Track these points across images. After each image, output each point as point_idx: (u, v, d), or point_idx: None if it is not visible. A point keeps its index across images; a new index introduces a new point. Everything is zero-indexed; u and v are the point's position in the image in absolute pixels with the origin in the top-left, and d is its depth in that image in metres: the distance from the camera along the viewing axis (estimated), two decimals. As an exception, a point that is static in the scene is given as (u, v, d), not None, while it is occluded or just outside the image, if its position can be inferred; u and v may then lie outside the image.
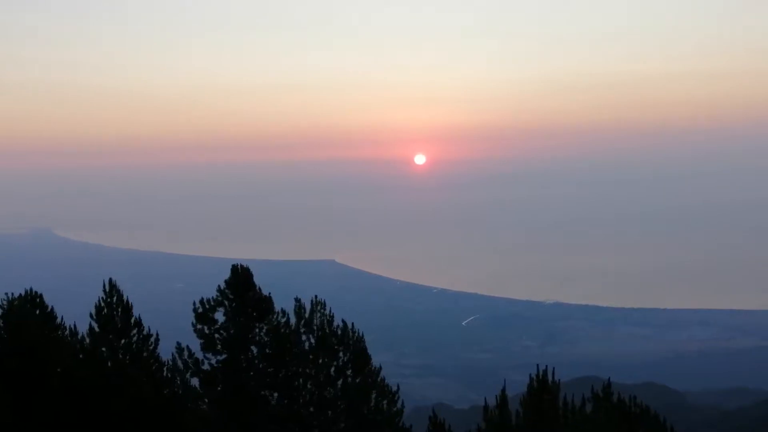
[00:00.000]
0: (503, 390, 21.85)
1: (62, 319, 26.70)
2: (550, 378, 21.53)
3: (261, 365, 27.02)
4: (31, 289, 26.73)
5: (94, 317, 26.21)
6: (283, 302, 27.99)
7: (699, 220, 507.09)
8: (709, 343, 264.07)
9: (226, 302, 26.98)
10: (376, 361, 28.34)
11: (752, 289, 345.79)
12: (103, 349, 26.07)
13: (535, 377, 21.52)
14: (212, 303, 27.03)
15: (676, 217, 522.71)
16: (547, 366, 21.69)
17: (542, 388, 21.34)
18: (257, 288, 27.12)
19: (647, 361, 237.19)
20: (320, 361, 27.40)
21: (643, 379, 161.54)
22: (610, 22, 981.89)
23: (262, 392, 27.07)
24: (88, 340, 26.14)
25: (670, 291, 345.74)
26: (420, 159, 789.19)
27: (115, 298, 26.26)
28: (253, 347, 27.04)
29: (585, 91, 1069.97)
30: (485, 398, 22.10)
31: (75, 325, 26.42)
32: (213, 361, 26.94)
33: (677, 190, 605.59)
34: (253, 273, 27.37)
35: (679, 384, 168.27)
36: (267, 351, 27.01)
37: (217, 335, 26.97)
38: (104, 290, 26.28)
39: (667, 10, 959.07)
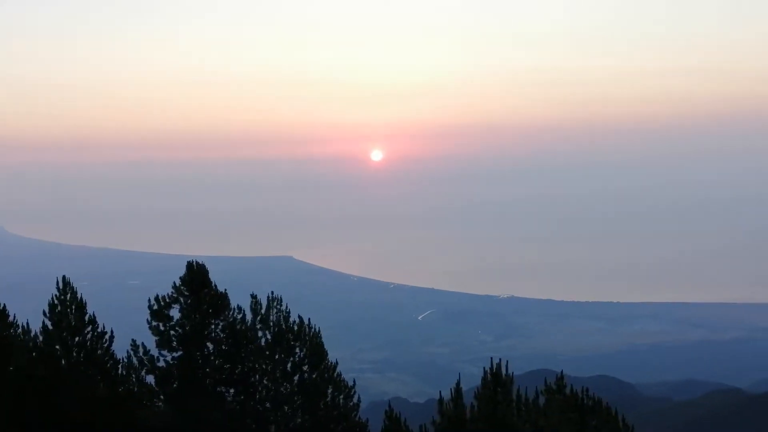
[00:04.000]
0: (458, 383, 22.10)
1: (15, 317, 26.34)
2: (503, 371, 21.83)
3: (217, 361, 27.00)
4: (-18, 287, 26.43)
5: (48, 315, 25.89)
6: (239, 299, 27.99)
7: (649, 216, 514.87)
8: (660, 336, 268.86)
9: (182, 299, 26.87)
10: (333, 356, 28.47)
11: (701, 282, 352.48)
12: (57, 347, 25.78)
13: (488, 371, 21.80)
14: (167, 300, 26.90)
15: (628, 213, 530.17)
16: (500, 359, 22.00)
17: (496, 381, 21.65)
18: (213, 284, 27.07)
19: (600, 354, 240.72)
20: (276, 356, 27.45)
21: (596, 371, 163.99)
22: (579, 19, 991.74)
23: (219, 388, 27.05)
24: (41, 338, 25.84)
25: (622, 285, 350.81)
26: (376, 155, 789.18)
27: (68, 296, 25.95)
28: (208, 344, 26.99)
29: (543, 87, 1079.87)
30: (440, 392, 22.34)
31: (27, 323, 26.07)
32: (168, 358, 26.84)
33: (631, 187, 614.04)
34: (209, 269, 27.32)
35: (631, 376, 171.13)
36: (223, 347, 26.98)
37: (172, 332, 26.87)
38: (57, 288, 25.96)
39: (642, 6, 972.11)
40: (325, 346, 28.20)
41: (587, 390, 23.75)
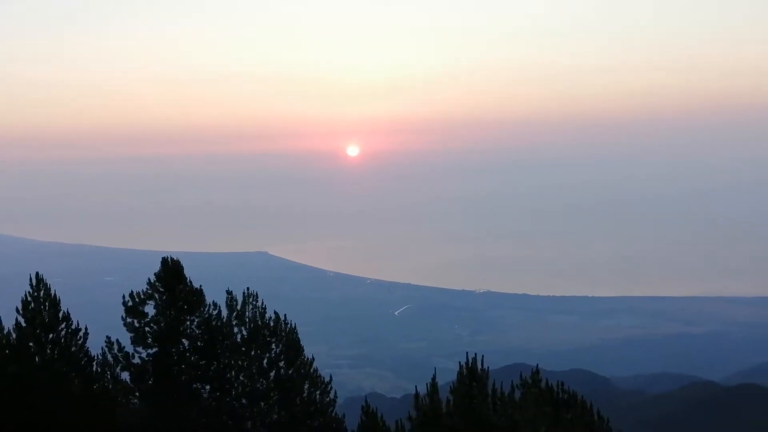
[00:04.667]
0: (434, 378, 22.18)
1: (-13, 314, 26.06)
2: (479, 366, 21.94)
3: (192, 358, 26.89)
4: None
5: (21, 312, 25.64)
6: (215, 295, 27.89)
7: (622, 211, 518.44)
8: (634, 330, 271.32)
9: (157, 295, 26.73)
10: (310, 352, 28.48)
11: (675, 276, 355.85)
12: (31, 344, 25.55)
13: (464, 365, 21.89)
14: (142, 296, 26.75)
15: (601, 208, 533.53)
16: (476, 354, 22.09)
17: (471, 375, 21.75)
18: (188, 281, 26.94)
19: (575, 348, 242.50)
20: (252, 353, 27.42)
21: (571, 365, 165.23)
22: (558, 14, 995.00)
23: (194, 385, 26.96)
24: (14, 336, 25.59)
25: (597, 279, 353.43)
26: (353, 151, 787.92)
27: (42, 292, 25.73)
28: (184, 340, 26.88)
29: (520, 83, 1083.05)
30: (416, 387, 22.41)
31: (1, 321, 25.78)
32: (144, 355, 26.70)
33: (603, 183, 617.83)
34: (184, 266, 27.18)
35: (606, 370, 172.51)
36: (198, 344, 26.88)
37: (147, 328, 26.73)
38: (31, 284, 25.72)
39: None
40: (302, 342, 28.20)
41: (562, 384, 23.94)
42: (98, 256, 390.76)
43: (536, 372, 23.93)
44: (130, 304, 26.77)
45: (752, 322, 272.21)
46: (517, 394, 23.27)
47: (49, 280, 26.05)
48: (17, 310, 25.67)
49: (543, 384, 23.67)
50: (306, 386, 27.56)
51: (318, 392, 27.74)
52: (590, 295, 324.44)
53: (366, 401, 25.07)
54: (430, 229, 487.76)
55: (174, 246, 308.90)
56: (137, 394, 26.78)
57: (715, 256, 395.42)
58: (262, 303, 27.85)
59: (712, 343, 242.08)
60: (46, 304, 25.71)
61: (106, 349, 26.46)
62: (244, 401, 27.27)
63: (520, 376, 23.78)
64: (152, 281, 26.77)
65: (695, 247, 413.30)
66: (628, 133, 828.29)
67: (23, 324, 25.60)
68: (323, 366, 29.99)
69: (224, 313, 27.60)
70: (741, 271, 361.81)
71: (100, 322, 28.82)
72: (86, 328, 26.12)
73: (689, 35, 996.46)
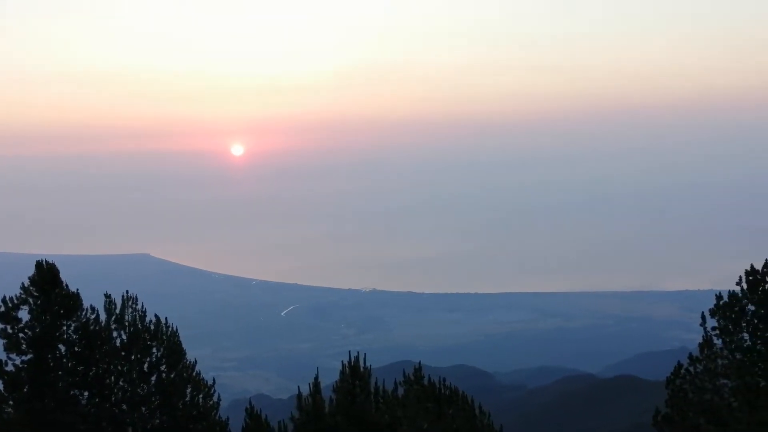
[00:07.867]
0: (316, 378, 22.38)
1: None
2: (361, 364, 22.22)
3: (70, 364, 26.19)
4: None
5: None
6: (94, 299, 27.24)
7: (501, 207, 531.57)
8: (515, 325, 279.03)
9: (31, 300, 25.92)
10: (195, 355, 28.19)
11: (552, 273, 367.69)
12: None
13: (347, 364, 22.15)
14: (15, 301, 25.88)
15: (480, 205, 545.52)
16: (359, 352, 22.38)
17: (354, 374, 22.01)
18: (64, 284, 26.23)
19: (459, 344, 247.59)
20: (132, 357, 26.89)
21: (455, 361, 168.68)
22: (433, 13, 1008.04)
23: (72, 392, 26.26)
24: None
25: (478, 276, 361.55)
26: (237, 150, 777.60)
27: None
28: (60, 345, 26.15)
29: (403, 82, 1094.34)
30: (299, 387, 22.58)
31: None
32: (18, 362, 25.84)
33: (482, 179, 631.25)
34: (61, 269, 26.45)
35: (488, 365, 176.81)
36: (75, 349, 26.20)
37: (21, 334, 25.86)
38: None
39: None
40: (186, 345, 27.84)
41: (444, 380, 24.50)
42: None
43: (418, 369, 24.39)
44: (2, 309, 25.86)
45: (624, 315, 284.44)
46: (401, 392, 23.68)
47: None
48: None
49: (425, 381, 24.17)
50: (188, 390, 27.22)
51: (201, 396, 27.44)
52: (473, 292, 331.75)
53: (250, 403, 25.04)
54: (316, 229, 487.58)
55: (50, 249, 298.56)
56: (11, 402, 25.90)
57: (589, 253, 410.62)
58: (143, 306, 27.35)
59: (589, 337, 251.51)
60: None
61: (-24, 358, 25.50)
62: (124, 407, 26.72)
63: (404, 373, 24.20)
64: (26, 285, 25.95)
65: (571, 245, 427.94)
66: (513, 131, 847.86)
67: None
68: (208, 369, 29.77)
69: (102, 317, 26.98)
70: (611, 266, 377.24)
71: (-30, 330, 27.58)
72: (-46, 336, 25.11)
73: (575, 38, 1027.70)
